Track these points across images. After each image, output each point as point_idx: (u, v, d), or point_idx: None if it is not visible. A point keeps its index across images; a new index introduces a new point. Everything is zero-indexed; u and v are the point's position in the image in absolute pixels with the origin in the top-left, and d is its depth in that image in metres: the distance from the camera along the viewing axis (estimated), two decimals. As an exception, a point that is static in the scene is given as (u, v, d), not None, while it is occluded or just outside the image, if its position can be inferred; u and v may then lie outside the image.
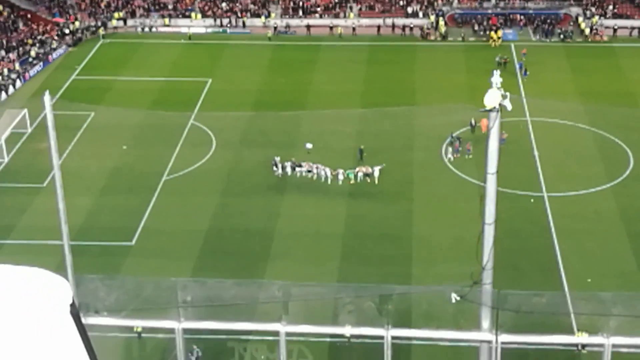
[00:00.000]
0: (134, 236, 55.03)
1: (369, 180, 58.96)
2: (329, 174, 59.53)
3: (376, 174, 59.15)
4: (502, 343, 21.84)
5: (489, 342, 22.11)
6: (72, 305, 5.77)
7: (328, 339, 42.13)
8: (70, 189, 53.19)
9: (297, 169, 60.37)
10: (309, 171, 60.28)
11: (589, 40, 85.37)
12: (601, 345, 21.97)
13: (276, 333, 22.78)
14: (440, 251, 51.98)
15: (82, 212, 56.29)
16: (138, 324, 25.89)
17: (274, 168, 60.42)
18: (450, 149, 62.74)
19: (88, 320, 23.53)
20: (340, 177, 59.65)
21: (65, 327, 5.75)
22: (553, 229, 54.24)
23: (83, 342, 5.92)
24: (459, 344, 36.16)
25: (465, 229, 50.16)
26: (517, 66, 77.63)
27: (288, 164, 60.46)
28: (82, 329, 5.88)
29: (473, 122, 63.29)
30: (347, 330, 24.27)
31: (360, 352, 39.66)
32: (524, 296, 29.30)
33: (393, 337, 22.13)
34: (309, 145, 64.58)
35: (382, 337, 22.83)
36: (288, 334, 22.74)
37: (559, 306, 28.66)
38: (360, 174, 59.63)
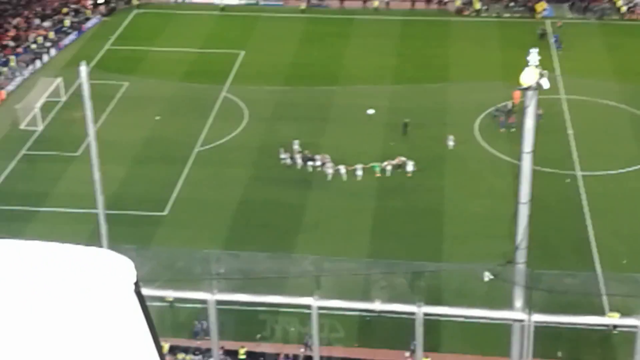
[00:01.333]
0: (167, 206, 55.42)
1: (399, 170, 57.76)
2: (342, 171, 57.27)
3: (409, 168, 57.61)
4: (535, 322, 21.79)
5: (522, 321, 22.08)
6: (136, 284, 5.95)
7: (355, 313, 42.23)
8: (103, 158, 53.35)
9: (309, 162, 58.60)
10: (323, 164, 58.21)
11: (625, 18, 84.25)
12: (635, 327, 21.87)
13: (308, 307, 22.86)
14: (472, 228, 51.83)
15: (115, 182, 56.62)
16: (172, 294, 26.13)
17: (282, 156, 59.21)
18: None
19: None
20: (359, 172, 57.09)
21: (130, 305, 5.94)
22: (586, 208, 53.91)
23: (146, 320, 6.13)
24: (491, 322, 36.17)
25: (497, 206, 50.05)
26: (553, 39, 77.13)
27: (299, 156, 58.96)
28: (145, 307, 6.06)
29: (510, 105, 62.94)
30: (379, 306, 24.33)
31: (390, 326, 39.78)
32: (556, 276, 29.22)
33: (425, 314, 22.14)
34: (371, 111, 64.79)
35: (413, 314, 22.86)
36: (320, 308, 22.82)
37: (592, 287, 28.58)
38: (389, 168, 57.63)
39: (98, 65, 74.24)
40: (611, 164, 58.56)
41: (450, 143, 60.55)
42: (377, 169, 57.60)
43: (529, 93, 21.95)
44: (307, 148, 60.34)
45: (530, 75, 21.85)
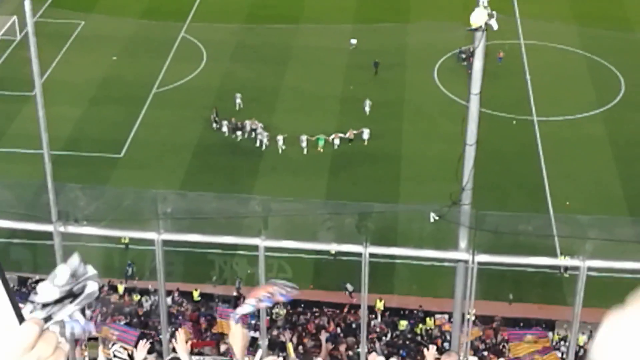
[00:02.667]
0: (123, 148, 54.99)
1: (350, 144, 54.64)
2: (280, 142, 54.00)
3: (366, 135, 54.86)
4: (479, 263, 21.91)
5: (466, 261, 22.20)
6: None
7: (311, 256, 42.51)
8: (58, 98, 53.35)
9: (238, 132, 55.26)
10: (254, 129, 54.80)
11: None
12: (577, 268, 22.10)
13: (255, 247, 22.84)
14: (428, 170, 52.02)
15: (71, 123, 56.17)
16: (117, 234, 25.96)
17: (212, 117, 56.49)
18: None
19: (68, 228, 23.54)
20: (303, 144, 53.93)
21: None
22: (541, 153, 54.35)
23: None
24: (442, 264, 36.52)
25: (454, 149, 50.17)
26: None
27: (224, 123, 55.56)
28: None
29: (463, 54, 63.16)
30: (325, 247, 24.37)
31: (342, 269, 40.10)
32: (503, 217, 29.46)
33: (371, 255, 22.18)
34: (354, 41, 64.99)
35: (360, 255, 22.93)
36: (267, 249, 22.78)
37: (539, 229, 28.87)
38: (336, 141, 54.22)
39: (54, 2, 72.85)
40: (567, 109, 58.93)
41: (367, 109, 58.17)
42: (321, 143, 54.40)
43: (478, 34, 21.73)
44: (265, 92, 59.97)
45: (479, 16, 21.59)
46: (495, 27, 21.34)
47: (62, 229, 22.45)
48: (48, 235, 24.25)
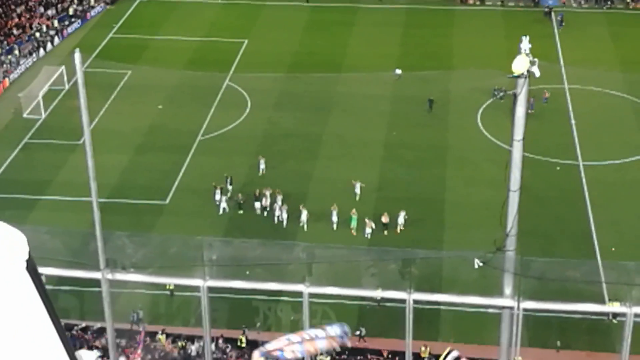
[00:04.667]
0: (168, 195, 55.51)
1: (386, 233, 50.89)
2: (304, 217, 51.01)
3: (401, 220, 51.17)
4: (525, 310, 21.82)
5: (511, 308, 22.12)
6: (29, 259, 5.52)
7: (356, 302, 42.34)
8: (105, 147, 54.19)
9: (256, 203, 52.90)
10: (265, 208, 52.49)
11: (630, 7, 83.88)
12: (624, 314, 21.90)
13: (300, 294, 22.97)
14: (473, 216, 51.73)
15: (117, 170, 56.95)
16: (164, 281, 26.27)
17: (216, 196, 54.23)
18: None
19: (115, 276, 23.87)
20: (334, 218, 51.01)
21: (22, 283, 5.53)
22: (587, 198, 53.85)
23: (40, 296, 5.75)
24: (486, 310, 36.18)
25: (499, 194, 49.91)
26: (559, 16, 78.98)
27: (224, 198, 53.17)
28: (39, 283, 5.71)
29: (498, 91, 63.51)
30: (369, 293, 24.38)
31: (386, 315, 39.90)
32: (549, 263, 29.22)
33: (415, 301, 22.17)
34: (398, 71, 66.06)
35: (404, 301, 22.92)
36: (311, 295, 22.89)
37: (586, 275, 28.59)
38: (368, 230, 50.36)
39: (101, 53, 74.45)
40: (613, 153, 58.45)
41: (357, 190, 53.86)
42: (354, 224, 51.16)
43: (520, 81, 21.89)
44: (307, 139, 60.26)
45: (521, 63, 21.77)
46: (538, 74, 21.46)
47: (109, 276, 22.83)
48: (95, 282, 24.61)
